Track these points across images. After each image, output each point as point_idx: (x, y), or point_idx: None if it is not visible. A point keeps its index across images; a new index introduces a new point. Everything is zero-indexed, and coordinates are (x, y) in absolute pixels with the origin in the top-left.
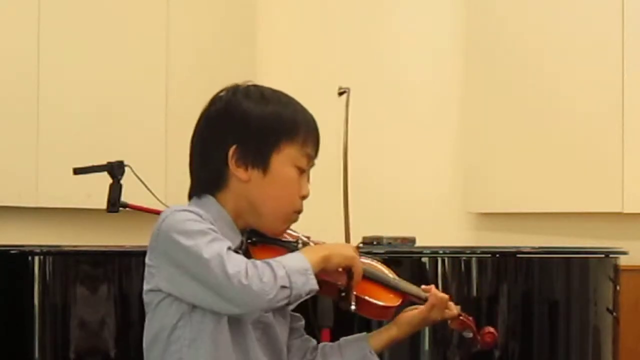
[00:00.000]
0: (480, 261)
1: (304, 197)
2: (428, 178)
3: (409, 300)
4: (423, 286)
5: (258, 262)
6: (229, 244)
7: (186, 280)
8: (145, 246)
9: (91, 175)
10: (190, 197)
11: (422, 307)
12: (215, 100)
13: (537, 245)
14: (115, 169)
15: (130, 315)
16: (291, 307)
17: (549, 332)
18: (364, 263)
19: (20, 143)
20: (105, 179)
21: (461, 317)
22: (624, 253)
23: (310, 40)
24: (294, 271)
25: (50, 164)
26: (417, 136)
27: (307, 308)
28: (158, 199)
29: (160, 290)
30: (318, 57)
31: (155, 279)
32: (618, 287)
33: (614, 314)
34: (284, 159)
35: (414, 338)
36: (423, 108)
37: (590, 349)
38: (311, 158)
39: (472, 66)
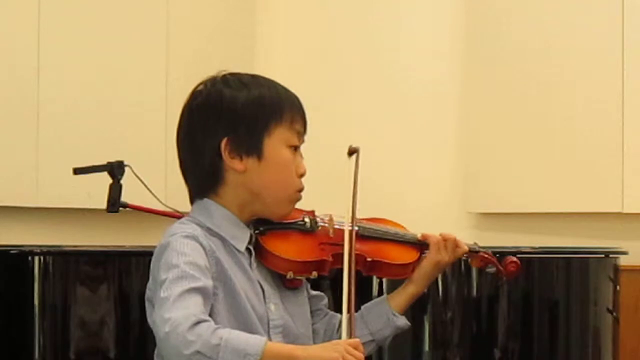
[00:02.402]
0: None
1: (301, 175)
2: (428, 178)
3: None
4: (420, 234)
5: (203, 320)
6: (195, 284)
7: (153, 305)
8: (145, 246)
9: (91, 175)
10: (192, 201)
11: (428, 254)
12: (195, 95)
13: (537, 245)
14: (115, 169)
15: (130, 315)
16: (310, 292)
17: (549, 332)
18: (371, 224)
19: (20, 143)
20: (105, 179)
21: (480, 253)
22: (624, 253)
23: (310, 39)
24: (232, 349)
25: (50, 164)
26: (417, 136)
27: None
28: (158, 199)
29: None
30: (318, 55)
31: (149, 292)
32: (618, 287)
33: (614, 314)
34: (276, 141)
35: (414, 338)
36: (423, 108)
37: (590, 349)
38: (301, 135)
39: (472, 66)
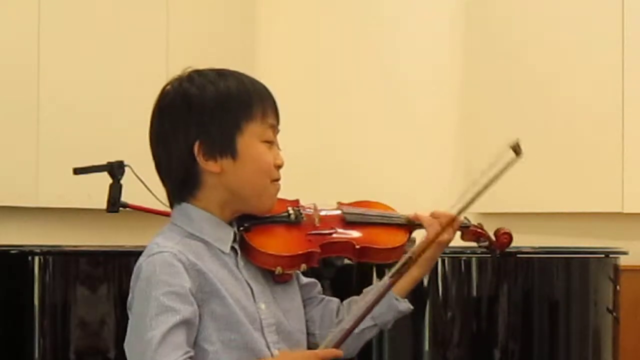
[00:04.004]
0: (480, 261)
1: (279, 167)
2: (428, 177)
3: (416, 229)
4: (411, 214)
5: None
6: (176, 319)
7: (129, 328)
8: (145, 246)
9: (91, 175)
10: (171, 205)
11: (427, 236)
12: (163, 95)
13: (537, 245)
14: (115, 169)
15: None
16: (303, 280)
17: (549, 332)
18: (357, 209)
19: (20, 143)
20: (105, 179)
21: (471, 227)
22: (624, 253)
23: (310, 39)
24: None
25: (50, 164)
26: (417, 136)
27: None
28: (158, 199)
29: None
30: (318, 55)
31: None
32: (618, 287)
33: (614, 314)
34: (249, 139)
35: (414, 338)
36: (423, 108)
37: (590, 349)
38: (275, 127)
39: (472, 66)
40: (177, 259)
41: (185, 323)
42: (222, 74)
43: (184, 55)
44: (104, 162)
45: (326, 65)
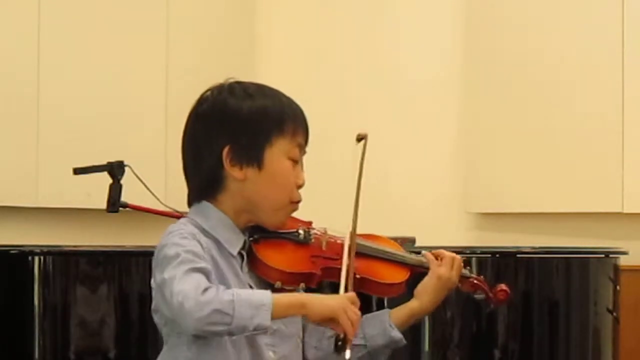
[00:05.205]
0: (480, 261)
1: (300, 187)
2: (428, 178)
3: (417, 272)
4: (424, 252)
5: (212, 285)
6: (196, 265)
7: (157, 293)
8: (145, 246)
9: (91, 175)
10: (190, 204)
11: (430, 272)
12: (201, 101)
13: (537, 245)
14: (115, 169)
15: (130, 315)
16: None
17: (549, 332)
18: (365, 241)
19: (20, 143)
20: (105, 179)
21: (470, 279)
22: (624, 253)
23: (310, 39)
24: (245, 302)
25: (50, 164)
26: (417, 136)
27: None
28: (158, 199)
29: (157, 310)
30: (317, 55)
31: (156, 297)
32: (618, 287)
33: (614, 314)
34: (277, 153)
35: (414, 338)
36: (423, 108)
37: (590, 349)
38: (303, 147)
39: (472, 66)
40: (197, 239)
41: (205, 272)
42: (262, 89)
43: (184, 55)
44: (104, 162)
45: (326, 65)
